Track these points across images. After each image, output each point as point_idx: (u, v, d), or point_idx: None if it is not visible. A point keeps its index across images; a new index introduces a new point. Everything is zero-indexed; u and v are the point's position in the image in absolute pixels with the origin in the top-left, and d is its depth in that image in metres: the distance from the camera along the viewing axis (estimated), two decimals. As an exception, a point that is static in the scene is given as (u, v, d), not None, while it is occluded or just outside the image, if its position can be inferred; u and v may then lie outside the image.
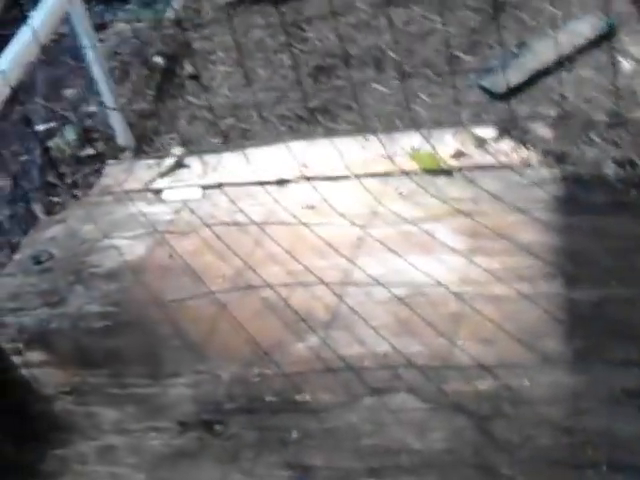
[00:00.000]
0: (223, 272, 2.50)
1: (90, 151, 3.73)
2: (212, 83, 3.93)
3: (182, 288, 2.49)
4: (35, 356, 2.45)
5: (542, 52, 3.65)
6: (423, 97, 3.70)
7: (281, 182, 2.72)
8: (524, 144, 2.65)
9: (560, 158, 2.59)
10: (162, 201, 2.78)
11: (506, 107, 3.26)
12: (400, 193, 2.59)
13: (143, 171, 2.92)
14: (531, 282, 2.30)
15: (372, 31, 4.15)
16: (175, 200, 2.77)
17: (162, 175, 2.81)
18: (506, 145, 2.68)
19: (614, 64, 3.50)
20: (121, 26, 4.13)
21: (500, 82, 3.53)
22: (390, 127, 3.55)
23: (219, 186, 2.77)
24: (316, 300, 2.37)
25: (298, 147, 2.86)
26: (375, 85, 3.81)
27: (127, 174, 2.93)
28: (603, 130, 2.65)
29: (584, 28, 3.73)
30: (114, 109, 3.42)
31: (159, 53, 4.19)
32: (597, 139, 2.62)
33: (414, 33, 4.10)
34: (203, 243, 2.58)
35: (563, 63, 3.54)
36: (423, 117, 3.58)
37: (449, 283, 2.33)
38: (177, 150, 2.89)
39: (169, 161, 2.86)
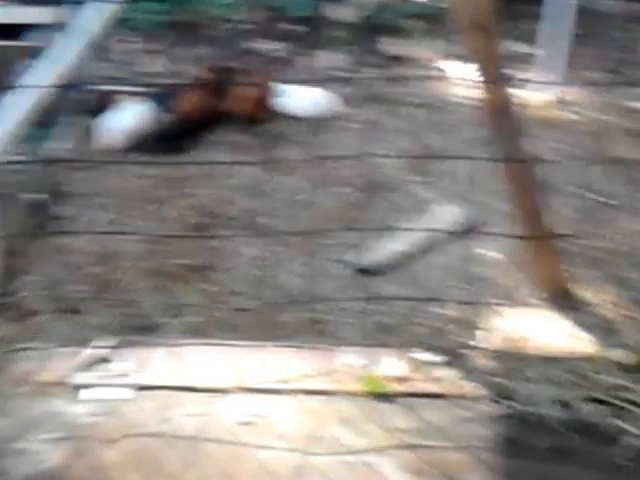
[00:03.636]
0: (149, 495, 2.28)
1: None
2: (87, 227, 3.79)
3: (102, 511, 2.25)
4: None
5: (409, 236, 3.82)
6: (293, 265, 3.75)
7: (215, 391, 2.53)
8: (465, 374, 2.61)
9: (501, 393, 2.56)
10: (83, 400, 2.52)
11: (372, 283, 3.31)
12: (342, 417, 2.46)
13: (63, 361, 2.65)
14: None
15: (253, 195, 4.20)
16: (98, 400, 2.51)
17: (83, 369, 2.58)
18: (449, 373, 2.63)
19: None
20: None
21: (369, 259, 3.67)
22: (258, 292, 3.58)
23: (148, 388, 2.55)
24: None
25: (233, 352, 2.70)
26: (247, 249, 3.85)
27: (45, 361, 2.65)
28: (541, 368, 2.65)
29: (449, 216, 3.98)
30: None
31: (36, 190, 4.02)
32: (537, 376, 2.62)
33: (293, 202, 4.17)
34: (128, 456, 2.33)
35: (427, 248, 3.65)
36: (289, 286, 3.62)
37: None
38: (101, 341, 2.67)
39: (92, 353, 2.63)
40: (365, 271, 3.76)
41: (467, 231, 3.97)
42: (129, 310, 3.14)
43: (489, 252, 3.73)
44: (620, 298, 3.55)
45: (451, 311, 3.40)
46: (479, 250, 3.76)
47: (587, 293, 3.47)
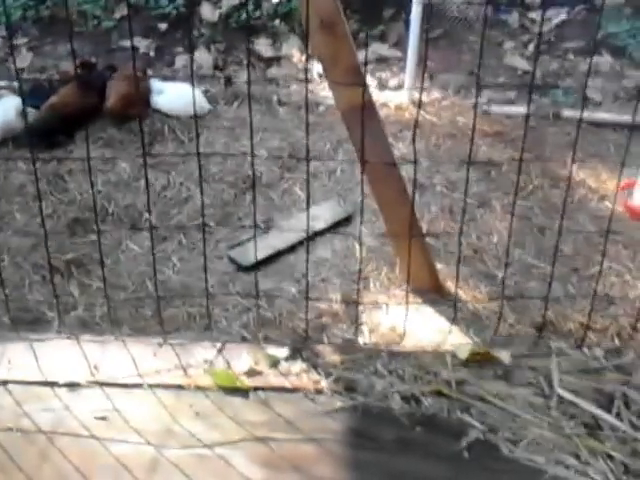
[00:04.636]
0: (4, 488, 2.33)
1: None
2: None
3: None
4: None
5: (287, 231, 3.92)
6: (174, 261, 3.83)
7: (71, 385, 2.57)
8: (315, 368, 2.70)
9: (349, 387, 2.65)
10: (-63, 395, 2.55)
11: (251, 279, 3.40)
12: (195, 411, 2.54)
13: None
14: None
15: (131, 191, 4.25)
16: (-47, 396, 2.55)
17: (-60, 365, 2.60)
18: (298, 367, 2.72)
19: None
20: None
21: (247, 255, 3.75)
22: (141, 288, 3.63)
23: (3, 383, 2.58)
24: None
25: (89, 346, 2.74)
26: (129, 244, 3.91)
27: None
28: (388, 362, 2.74)
29: (326, 213, 4.10)
30: None
31: None
32: (383, 370, 2.71)
33: (171, 198, 4.25)
34: (-18, 451, 2.40)
35: (304, 243, 3.75)
36: (172, 280, 3.70)
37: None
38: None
39: (-51, 348, 2.65)
40: (245, 267, 3.84)
41: (342, 227, 4.09)
42: (10, 304, 3.16)
43: (362, 248, 3.84)
44: (486, 294, 3.70)
45: (324, 305, 3.52)
46: (353, 246, 3.88)
47: (455, 289, 3.60)
